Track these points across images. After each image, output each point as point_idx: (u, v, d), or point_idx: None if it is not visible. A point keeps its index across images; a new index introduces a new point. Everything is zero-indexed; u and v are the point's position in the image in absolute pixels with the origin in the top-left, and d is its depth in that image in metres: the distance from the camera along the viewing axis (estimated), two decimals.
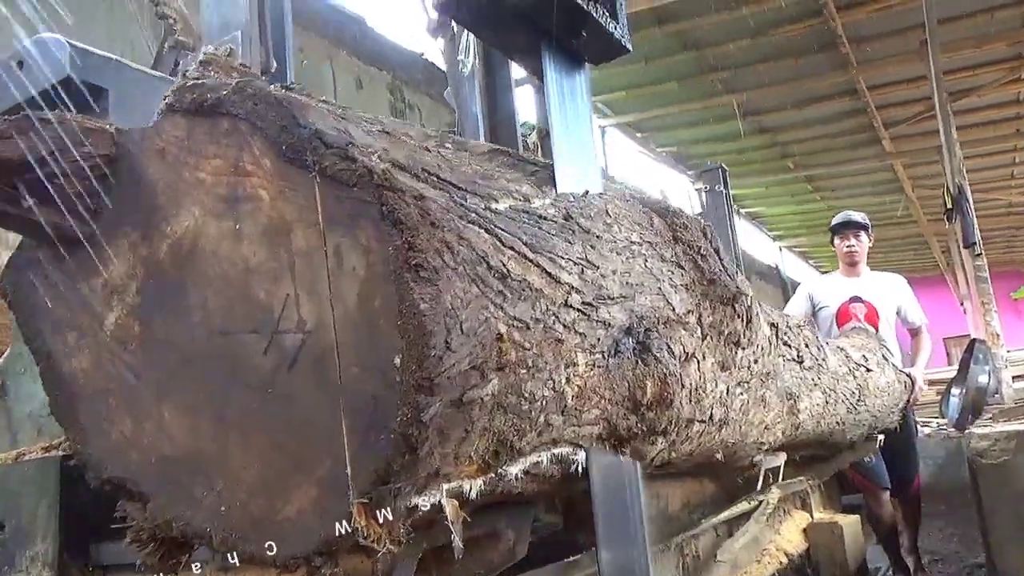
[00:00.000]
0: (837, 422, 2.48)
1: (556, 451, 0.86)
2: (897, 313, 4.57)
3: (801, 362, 1.95)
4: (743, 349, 1.36)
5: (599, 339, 0.92)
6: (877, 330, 4.17)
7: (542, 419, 0.78)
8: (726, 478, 2.07)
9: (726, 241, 4.15)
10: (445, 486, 0.67)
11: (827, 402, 2.19)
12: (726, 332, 1.24)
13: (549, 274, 0.83)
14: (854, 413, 2.69)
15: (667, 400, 1.01)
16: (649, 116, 9.81)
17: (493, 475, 0.74)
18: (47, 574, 0.93)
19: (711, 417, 1.25)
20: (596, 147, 1.48)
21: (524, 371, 0.73)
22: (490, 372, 0.66)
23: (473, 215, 0.75)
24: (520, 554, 0.99)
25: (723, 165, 4.05)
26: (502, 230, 0.79)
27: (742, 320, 1.31)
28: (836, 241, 4.66)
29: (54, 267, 0.73)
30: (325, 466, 0.59)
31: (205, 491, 0.65)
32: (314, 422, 0.60)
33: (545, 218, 0.89)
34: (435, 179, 0.76)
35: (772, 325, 1.65)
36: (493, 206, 0.82)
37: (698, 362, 1.17)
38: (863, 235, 4.59)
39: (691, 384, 1.12)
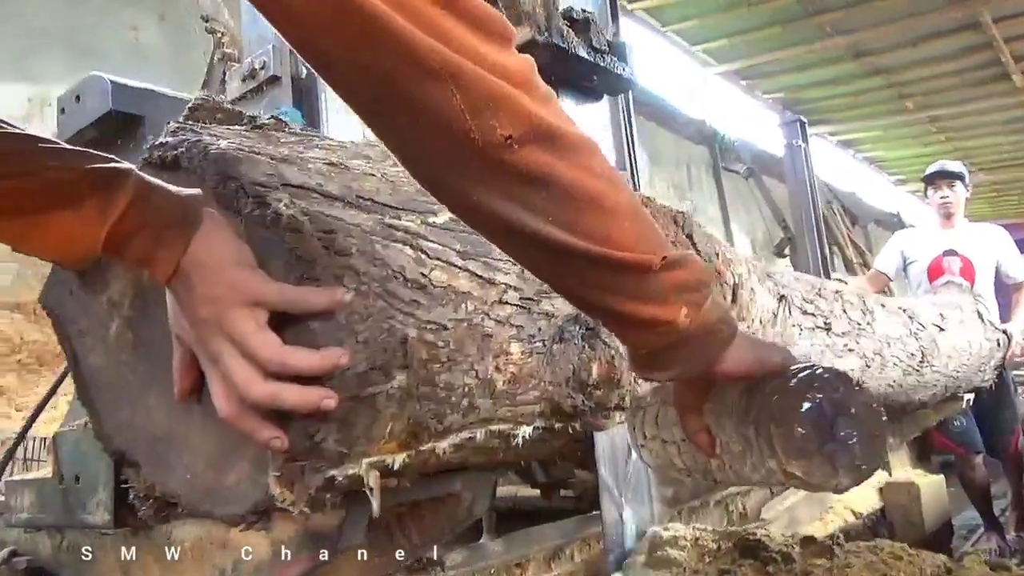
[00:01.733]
0: (888, 385, 2.49)
1: (494, 428, 1.00)
2: (997, 267, 4.39)
3: (828, 329, 1.99)
4: None
5: (540, 329, 1.06)
6: (972, 285, 4.03)
7: (465, 403, 0.93)
8: None
9: (803, 195, 4.09)
10: (365, 460, 0.83)
11: (867, 366, 2.21)
12: None
13: (481, 277, 0.97)
14: (915, 375, 2.68)
15: (615, 379, 1.13)
16: (753, 63, 9.52)
17: (418, 451, 0.89)
18: (107, 515, 1.18)
19: None
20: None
21: (438, 365, 0.87)
22: (394, 371, 0.81)
23: (400, 233, 0.89)
24: (479, 512, 1.15)
25: (801, 118, 3.99)
26: (432, 243, 0.93)
27: (723, 299, 1.40)
28: (929, 192, 4.51)
29: (77, 285, 0.93)
30: (252, 447, 0.77)
31: (176, 463, 0.84)
32: None
33: None
34: (369, 203, 0.91)
35: (780, 298, 1.71)
36: (431, 220, 0.96)
37: None
38: (958, 185, 4.43)
39: None
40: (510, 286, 1.01)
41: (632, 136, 2.52)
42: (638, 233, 0.75)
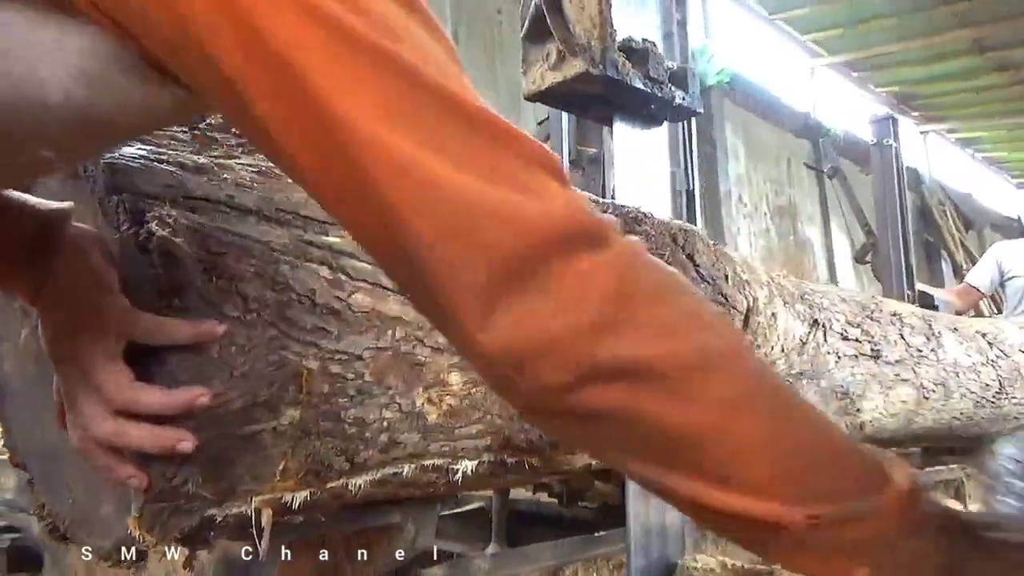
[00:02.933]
0: (955, 417, 2.28)
1: (426, 463, 0.93)
2: None
3: (878, 356, 1.82)
4: None
5: None
6: None
7: (384, 439, 0.86)
8: None
9: (891, 199, 3.78)
10: (257, 498, 0.77)
11: (924, 397, 2.02)
12: None
13: None
14: (989, 407, 2.45)
15: None
16: (866, 55, 9.01)
17: (324, 488, 0.83)
18: None
19: None
20: None
21: (344, 399, 0.81)
22: (284, 406, 0.75)
23: (319, 252, 0.82)
24: (423, 544, 1.08)
25: (893, 115, 3.71)
26: (360, 262, 0.85)
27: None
28: None
29: None
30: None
31: (62, 484, 0.80)
32: None
33: None
34: (291, 216, 0.84)
35: (813, 322, 1.56)
36: None
37: None
38: None
39: None
40: None
41: (692, 160, 2.46)
42: (782, 474, 0.55)
